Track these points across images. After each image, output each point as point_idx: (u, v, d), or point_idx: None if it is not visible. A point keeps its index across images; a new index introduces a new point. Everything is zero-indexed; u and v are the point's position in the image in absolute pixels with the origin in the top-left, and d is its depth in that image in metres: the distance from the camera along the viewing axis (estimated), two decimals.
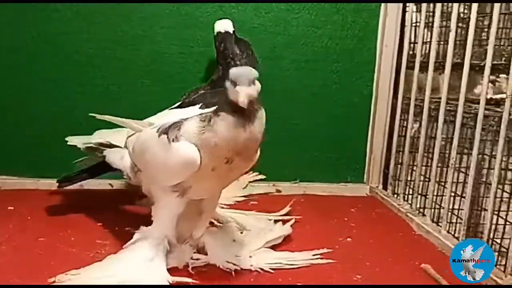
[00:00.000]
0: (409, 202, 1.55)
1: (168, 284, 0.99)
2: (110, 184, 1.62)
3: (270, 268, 1.09)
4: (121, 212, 1.42)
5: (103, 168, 1.35)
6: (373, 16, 1.69)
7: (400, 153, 1.65)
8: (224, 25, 1.46)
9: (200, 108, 1.39)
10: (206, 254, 1.12)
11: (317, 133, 1.72)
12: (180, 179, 0.99)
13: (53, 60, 1.58)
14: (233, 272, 1.06)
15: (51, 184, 1.54)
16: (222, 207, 1.43)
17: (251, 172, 1.66)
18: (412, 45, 1.61)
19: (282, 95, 1.68)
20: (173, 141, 0.96)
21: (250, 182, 1.67)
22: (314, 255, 1.16)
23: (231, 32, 1.46)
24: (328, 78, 1.69)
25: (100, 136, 1.37)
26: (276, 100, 1.67)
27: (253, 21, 1.63)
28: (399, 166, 1.65)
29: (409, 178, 1.59)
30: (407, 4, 1.63)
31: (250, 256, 1.12)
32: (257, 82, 0.93)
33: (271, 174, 1.71)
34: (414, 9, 1.61)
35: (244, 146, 0.94)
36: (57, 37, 1.57)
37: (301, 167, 1.73)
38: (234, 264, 1.08)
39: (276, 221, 1.36)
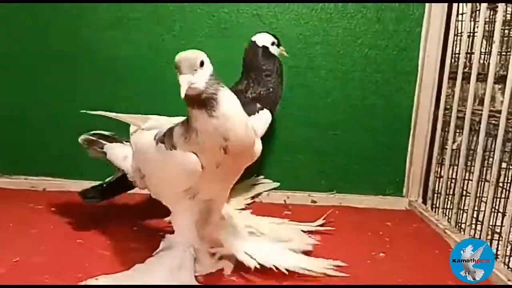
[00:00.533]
0: (448, 217, 1.49)
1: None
2: None
3: (286, 269, 1.08)
4: (156, 218, 1.43)
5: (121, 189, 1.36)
6: (416, 25, 1.64)
7: (441, 166, 1.59)
8: (259, 38, 1.47)
9: None
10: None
11: (355, 144, 1.69)
12: (186, 186, 0.99)
13: (93, 66, 1.63)
14: (252, 268, 1.07)
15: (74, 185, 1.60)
16: (253, 213, 1.43)
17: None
18: (455, 55, 1.56)
19: (320, 105, 1.67)
20: (170, 150, 0.96)
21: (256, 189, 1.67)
22: (329, 265, 1.13)
23: (262, 45, 1.46)
24: (368, 88, 1.66)
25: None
26: (313, 109, 1.67)
27: (292, 31, 1.63)
28: (439, 179, 1.60)
29: (449, 192, 1.54)
30: (452, 13, 1.58)
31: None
32: (206, 65, 0.89)
33: (306, 184, 1.71)
34: (459, 19, 1.56)
35: (225, 130, 0.89)
36: (99, 44, 1.62)
37: (338, 178, 1.71)
38: (251, 257, 1.08)
39: (307, 232, 1.34)
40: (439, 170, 1.60)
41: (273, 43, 1.47)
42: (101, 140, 1.33)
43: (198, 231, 1.10)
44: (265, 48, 1.46)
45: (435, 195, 1.61)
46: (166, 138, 0.98)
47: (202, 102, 0.88)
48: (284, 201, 1.69)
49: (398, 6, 1.64)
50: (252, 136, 0.97)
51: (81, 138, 1.34)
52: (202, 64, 0.88)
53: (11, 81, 1.64)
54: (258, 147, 1.02)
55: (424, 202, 1.67)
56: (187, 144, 0.93)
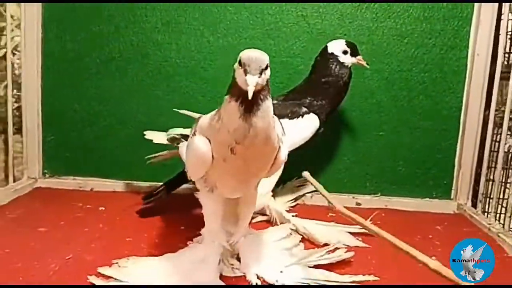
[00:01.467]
0: (501, 221, 1.44)
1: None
2: (191, 189, 1.67)
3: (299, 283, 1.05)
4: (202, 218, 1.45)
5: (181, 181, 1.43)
6: (464, 24, 1.60)
7: (492, 169, 1.54)
8: (331, 44, 1.46)
9: None
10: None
11: (401, 145, 1.66)
12: (199, 172, 0.99)
13: (143, 69, 1.67)
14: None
15: (139, 186, 1.63)
16: (297, 215, 1.42)
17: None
18: (507, 54, 1.51)
19: (364, 106, 1.65)
20: (193, 135, 0.97)
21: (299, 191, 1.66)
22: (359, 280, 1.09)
23: (331, 52, 1.45)
24: (414, 88, 1.63)
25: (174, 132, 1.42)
26: (358, 110, 1.65)
27: (337, 31, 1.61)
28: (490, 182, 1.55)
29: (501, 196, 1.49)
30: (502, 11, 1.53)
31: (281, 271, 1.08)
32: (268, 69, 0.88)
33: (351, 186, 1.68)
34: (510, 17, 1.51)
35: (244, 135, 0.87)
36: (148, 47, 1.66)
37: (383, 180, 1.68)
38: (258, 278, 1.06)
39: (354, 234, 1.33)
40: (490, 173, 1.55)
41: (345, 52, 1.44)
42: (182, 138, 1.38)
43: (226, 229, 1.12)
44: (333, 55, 1.45)
45: (486, 199, 1.56)
46: (194, 126, 1.01)
47: (246, 101, 0.85)
48: (328, 203, 1.66)
49: (445, 5, 1.60)
50: (272, 148, 0.95)
51: (168, 137, 1.41)
52: (267, 67, 0.87)
53: (65, 83, 1.69)
54: (281, 157, 1.00)
55: (474, 205, 1.62)
56: (207, 129, 0.94)
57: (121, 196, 1.62)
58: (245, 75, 0.83)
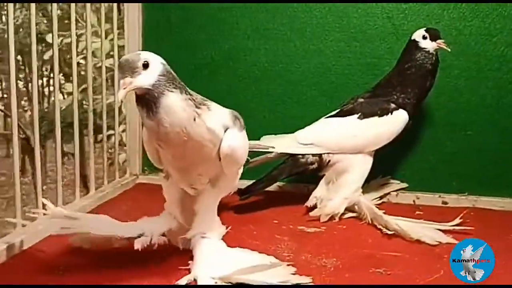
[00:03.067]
0: None
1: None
2: (279, 186, 1.75)
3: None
4: (292, 212, 1.52)
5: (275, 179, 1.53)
6: None
7: None
8: (415, 32, 1.50)
9: (358, 118, 1.47)
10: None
11: (489, 145, 1.64)
12: (149, 153, 1.08)
13: (233, 73, 1.77)
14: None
15: None
16: (385, 213, 1.43)
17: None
18: None
19: (451, 105, 1.65)
20: None
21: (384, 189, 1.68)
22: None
23: (413, 39, 1.49)
24: (504, 88, 1.61)
25: (265, 141, 1.52)
26: (444, 110, 1.66)
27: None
28: None
29: None
30: None
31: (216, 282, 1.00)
32: (152, 67, 0.89)
33: (436, 185, 1.69)
34: None
35: (156, 132, 0.92)
36: (238, 53, 1.77)
37: (470, 180, 1.67)
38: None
39: (442, 231, 1.34)
40: None
41: (424, 37, 1.47)
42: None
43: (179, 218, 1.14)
44: (414, 41, 1.48)
45: None
46: None
47: (144, 102, 0.89)
48: (414, 201, 1.69)
49: None
50: (199, 140, 0.95)
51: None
52: (146, 66, 0.88)
53: None
54: (224, 149, 1.00)
55: None
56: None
57: None
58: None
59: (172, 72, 0.94)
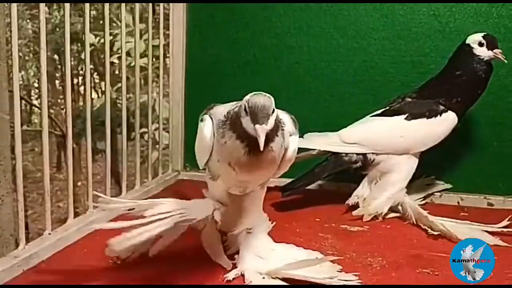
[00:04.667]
0: None
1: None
2: (320, 185, 1.75)
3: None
4: (334, 210, 1.52)
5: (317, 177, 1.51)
6: None
7: None
8: (471, 36, 1.44)
9: (405, 119, 1.45)
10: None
11: None
12: (202, 155, 1.02)
13: (276, 71, 1.78)
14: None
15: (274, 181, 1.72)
16: (429, 213, 1.40)
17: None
18: None
19: (499, 104, 1.61)
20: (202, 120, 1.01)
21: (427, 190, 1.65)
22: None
23: (467, 44, 1.43)
24: None
25: (307, 140, 1.51)
26: (492, 109, 1.62)
27: (470, 29, 1.57)
28: None
29: None
30: None
31: (263, 277, 1.02)
32: (274, 113, 0.88)
33: (482, 187, 1.65)
34: None
35: (247, 166, 0.91)
36: (280, 51, 1.77)
37: None
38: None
39: (491, 233, 1.31)
40: None
41: (481, 44, 1.40)
42: None
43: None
44: (468, 47, 1.43)
45: None
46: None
47: (250, 139, 0.87)
48: (458, 203, 1.65)
49: None
50: (274, 165, 0.96)
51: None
52: (273, 111, 0.87)
53: (205, 85, 1.85)
54: (288, 158, 1.00)
55: None
56: (216, 130, 0.96)
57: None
58: (253, 124, 0.84)
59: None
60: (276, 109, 0.89)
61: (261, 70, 1.79)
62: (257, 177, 1.00)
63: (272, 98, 0.88)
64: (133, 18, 1.58)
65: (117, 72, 2.28)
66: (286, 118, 1.00)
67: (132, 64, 1.65)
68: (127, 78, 1.66)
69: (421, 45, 1.65)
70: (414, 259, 1.17)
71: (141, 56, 1.70)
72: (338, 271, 1.04)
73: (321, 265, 1.04)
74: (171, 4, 1.79)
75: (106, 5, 1.42)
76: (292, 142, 0.99)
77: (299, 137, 1.46)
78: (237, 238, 1.10)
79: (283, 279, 1.01)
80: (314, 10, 1.72)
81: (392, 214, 1.48)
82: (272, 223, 1.21)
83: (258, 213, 1.15)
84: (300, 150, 1.52)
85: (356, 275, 1.03)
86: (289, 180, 1.54)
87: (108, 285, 1.01)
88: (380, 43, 1.68)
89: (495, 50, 1.41)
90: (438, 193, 1.67)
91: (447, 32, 1.61)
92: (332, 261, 1.06)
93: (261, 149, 0.83)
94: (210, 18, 1.82)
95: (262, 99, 0.87)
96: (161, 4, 1.76)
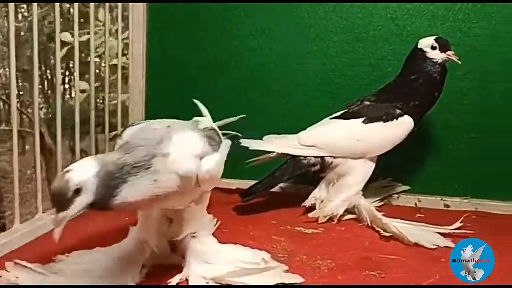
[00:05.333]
0: None
1: (134, 284, 1.00)
2: (281, 187, 1.75)
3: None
4: (291, 213, 1.52)
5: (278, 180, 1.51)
6: None
7: None
8: (422, 40, 1.46)
9: (362, 122, 1.46)
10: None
11: (493, 148, 1.62)
12: None
13: (237, 73, 1.78)
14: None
15: (232, 183, 1.73)
16: (385, 215, 1.42)
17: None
18: None
19: (454, 107, 1.64)
20: None
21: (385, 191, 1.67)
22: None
23: (420, 48, 1.45)
24: (508, 90, 1.59)
25: (267, 142, 1.52)
26: (448, 112, 1.64)
27: (427, 32, 1.60)
28: None
29: None
30: None
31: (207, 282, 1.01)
32: (87, 186, 0.79)
33: (439, 188, 1.68)
34: None
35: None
36: (242, 53, 1.77)
37: (473, 183, 1.65)
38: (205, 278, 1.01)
39: (442, 234, 1.33)
40: None
41: (433, 47, 1.42)
42: None
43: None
44: (421, 51, 1.44)
45: None
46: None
47: None
48: (415, 204, 1.68)
49: None
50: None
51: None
52: (78, 191, 0.78)
53: (166, 87, 1.84)
54: (203, 179, 0.95)
55: None
56: None
57: (219, 192, 1.71)
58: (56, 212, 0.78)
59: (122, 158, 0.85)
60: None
61: (222, 72, 1.79)
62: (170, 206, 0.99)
63: (79, 175, 0.79)
64: (113, 18, 1.57)
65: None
66: (194, 143, 0.95)
67: (103, 64, 1.65)
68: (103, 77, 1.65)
69: (379, 48, 1.66)
70: (363, 262, 1.17)
71: (116, 56, 1.70)
72: (284, 272, 1.05)
73: (266, 267, 1.05)
74: (130, 4, 1.77)
75: (76, 5, 1.42)
76: (206, 163, 0.94)
77: (259, 139, 1.53)
78: (182, 243, 1.08)
79: (227, 285, 1.01)
80: (275, 12, 1.72)
81: (348, 216, 1.49)
82: (217, 222, 1.18)
83: (201, 218, 1.13)
84: (259, 152, 1.56)
85: (300, 277, 1.04)
86: (250, 182, 1.55)
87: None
88: (339, 46, 1.69)
89: (448, 52, 1.43)
90: (396, 195, 1.69)
91: (404, 35, 1.63)
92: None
93: (56, 240, 0.76)
94: (170, 19, 1.80)
95: (57, 183, 0.78)
96: (120, 5, 1.74)
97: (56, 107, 1.36)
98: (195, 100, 1.30)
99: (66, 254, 1.09)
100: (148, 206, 0.92)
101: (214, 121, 1.21)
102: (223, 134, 1.25)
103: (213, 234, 1.18)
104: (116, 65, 1.74)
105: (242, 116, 1.41)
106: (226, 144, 1.11)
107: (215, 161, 0.97)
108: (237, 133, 1.39)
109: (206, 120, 1.16)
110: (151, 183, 0.85)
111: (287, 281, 1.01)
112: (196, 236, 1.09)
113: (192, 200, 1.03)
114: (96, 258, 1.06)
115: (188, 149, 0.92)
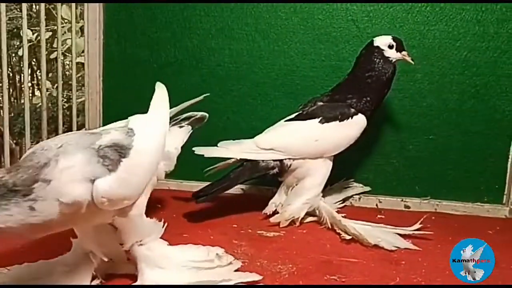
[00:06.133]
0: None
1: None
2: (242, 189, 1.73)
3: None
4: (253, 216, 1.50)
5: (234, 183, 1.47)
6: None
7: None
8: (378, 38, 1.47)
9: (319, 122, 1.45)
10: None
11: (452, 149, 1.65)
12: None
13: (197, 73, 1.74)
14: None
15: (192, 186, 1.68)
16: (345, 217, 1.42)
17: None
18: None
19: (414, 109, 1.65)
20: None
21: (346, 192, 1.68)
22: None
23: (376, 46, 1.46)
24: (466, 92, 1.62)
25: (222, 148, 1.48)
26: (408, 114, 1.65)
27: (387, 34, 1.62)
28: None
29: None
30: None
31: None
32: None
33: (399, 189, 1.69)
34: None
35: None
36: (202, 52, 1.73)
37: (433, 184, 1.67)
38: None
39: (402, 236, 1.34)
40: None
41: (390, 46, 1.45)
42: None
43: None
44: (378, 49, 1.46)
45: None
46: None
47: None
48: (376, 205, 1.68)
49: (499, 8, 1.58)
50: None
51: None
52: None
53: (124, 87, 1.79)
54: (100, 204, 0.88)
55: None
56: None
57: (177, 194, 1.68)
58: None
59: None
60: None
61: (182, 72, 1.74)
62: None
63: None
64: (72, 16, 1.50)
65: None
66: (82, 162, 0.87)
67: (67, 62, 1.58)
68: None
69: (340, 49, 1.66)
70: (323, 266, 1.16)
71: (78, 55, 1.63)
72: (235, 271, 1.06)
73: (220, 266, 1.05)
74: (85, 4, 1.70)
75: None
76: (99, 185, 0.87)
77: (218, 140, 1.49)
78: (132, 252, 1.03)
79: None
80: (235, 12, 1.69)
81: (310, 218, 1.48)
82: (164, 224, 1.13)
83: (141, 225, 1.05)
84: (217, 160, 1.52)
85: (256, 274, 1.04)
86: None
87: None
88: (301, 47, 1.68)
89: (403, 52, 1.47)
90: (357, 196, 1.69)
91: (364, 37, 1.63)
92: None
93: None
94: (128, 18, 1.74)
95: None
96: (73, 4, 1.67)
97: (25, 107, 1.29)
98: (158, 83, 1.29)
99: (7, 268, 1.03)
100: (27, 233, 0.83)
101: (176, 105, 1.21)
102: (189, 117, 1.31)
103: (172, 239, 1.13)
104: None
105: (206, 94, 1.40)
106: (185, 131, 1.16)
107: (109, 183, 0.88)
108: (205, 113, 1.35)
109: (133, 120, 1.17)
110: (24, 211, 0.79)
111: (245, 280, 1.00)
112: (143, 244, 1.03)
113: (113, 215, 0.97)
114: (44, 270, 1.01)
115: (76, 173, 0.85)
